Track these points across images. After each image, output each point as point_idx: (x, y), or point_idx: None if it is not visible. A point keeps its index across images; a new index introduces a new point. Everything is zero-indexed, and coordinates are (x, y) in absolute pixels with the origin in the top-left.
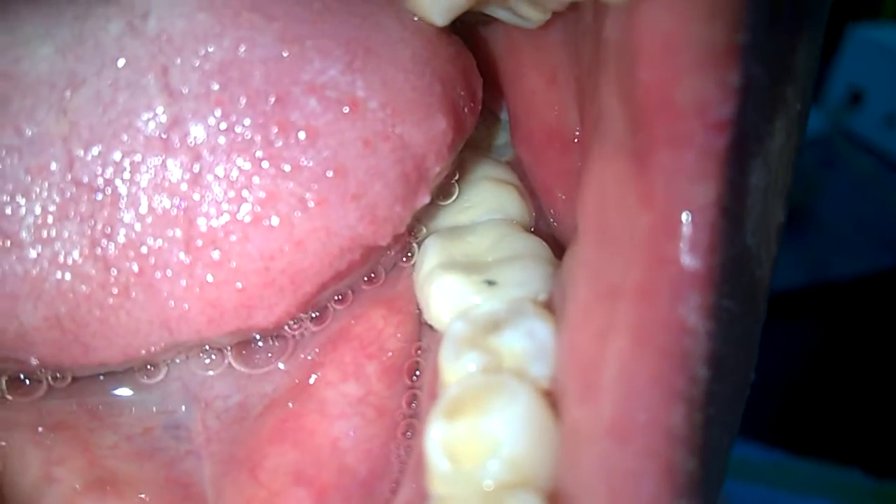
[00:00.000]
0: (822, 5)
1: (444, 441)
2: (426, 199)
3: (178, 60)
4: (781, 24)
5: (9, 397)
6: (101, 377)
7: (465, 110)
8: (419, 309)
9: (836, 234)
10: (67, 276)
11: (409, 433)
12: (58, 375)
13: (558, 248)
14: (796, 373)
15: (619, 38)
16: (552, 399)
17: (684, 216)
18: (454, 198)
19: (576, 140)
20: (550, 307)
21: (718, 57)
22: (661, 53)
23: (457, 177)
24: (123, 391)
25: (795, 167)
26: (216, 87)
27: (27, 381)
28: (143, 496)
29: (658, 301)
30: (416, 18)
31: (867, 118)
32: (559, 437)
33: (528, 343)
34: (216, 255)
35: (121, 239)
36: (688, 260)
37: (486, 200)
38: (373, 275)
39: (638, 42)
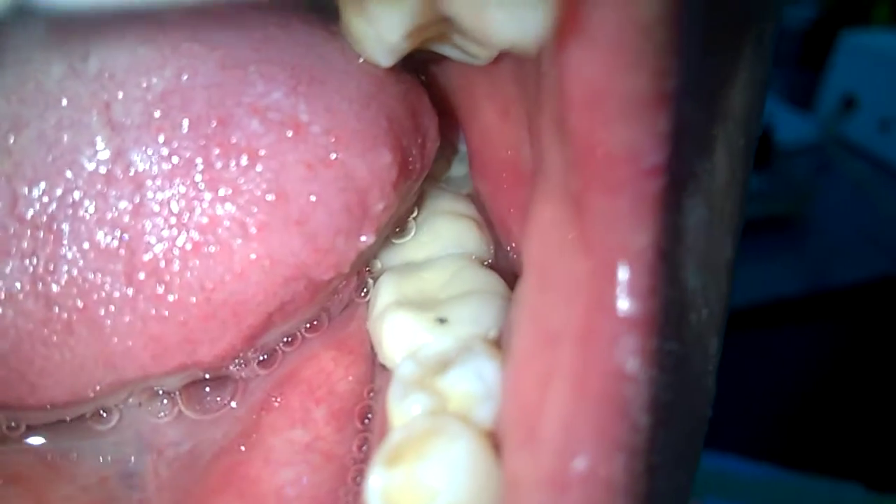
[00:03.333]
0: (761, 40)
1: (382, 489)
2: (371, 239)
3: (121, 95)
4: (715, 62)
5: None
6: (56, 426)
7: (413, 150)
8: (372, 349)
9: (833, 241)
10: (10, 313)
11: (358, 479)
12: (12, 424)
13: (517, 280)
14: (794, 382)
15: (551, 83)
16: (494, 440)
17: (621, 261)
18: (412, 235)
19: (529, 175)
20: (500, 345)
21: (645, 105)
22: (587, 102)
23: (415, 213)
24: (78, 441)
25: (745, 201)
26: (158, 114)
27: None
28: None
29: (597, 348)
30: (361, 59)
31: (861, 124)
32: (500, 485)
33: (474, 384)
34: (159, 288)
35: (63, 275)
36: (626, 305)
37: (444, 236)
38: (315, 322)
39: (565, 89)
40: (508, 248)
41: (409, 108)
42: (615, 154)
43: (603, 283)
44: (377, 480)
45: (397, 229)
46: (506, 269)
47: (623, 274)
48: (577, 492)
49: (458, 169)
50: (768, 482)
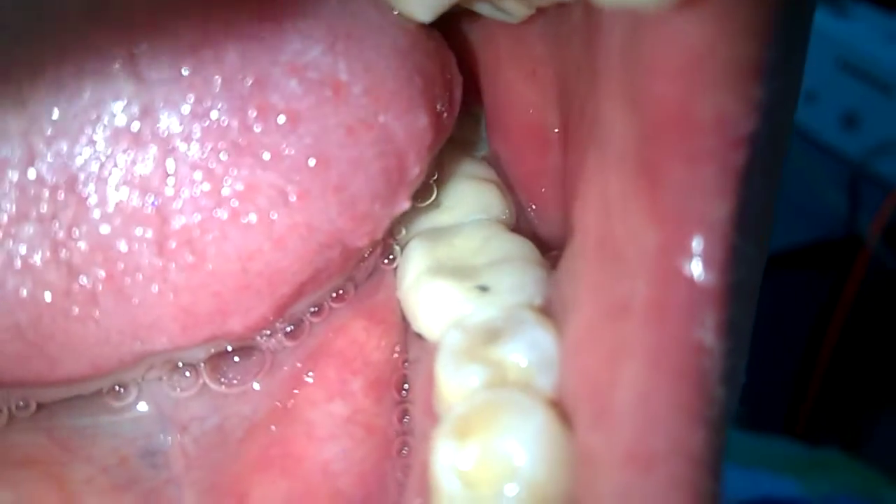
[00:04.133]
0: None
1: (455, 464)
2: (406, 205)
3: (145, 45)
4: (787, 37)
5: None
6: (68, 403)
7: (444, 111)
8: (403, 318)
9: None
10: (28, 283)
11: (404, 451)
12: (20, 403)
13: (540, 245)
14: None
15: (627, 47)
16: (560, 410)
17: (697, 232)
18: (433, 198)
19: (555, 136)
20: (547, 313)
21: (745, 73)
22: (683, 68)
23: (435, 176)
24: (93, 418)
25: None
26: (188, 70)
27: None
28: None
29: (672, 321)
30: (395, 12)
31: None
32: (575, 461)
33: (531, 354)
34: (190, 257)
35: (87, 241)
36: (702, 277)
37: (469, 200)
38: (341, 291)
39: (657, 55)
40: (530, 212)
41: (439, 66)
42: (704, 122)
43: (677, 254)
44: (447, 455)
45: (418, 194)
46: (528, 232)
47: (698, 245)
48: (662, 469)
49: (474, 133)
50: None
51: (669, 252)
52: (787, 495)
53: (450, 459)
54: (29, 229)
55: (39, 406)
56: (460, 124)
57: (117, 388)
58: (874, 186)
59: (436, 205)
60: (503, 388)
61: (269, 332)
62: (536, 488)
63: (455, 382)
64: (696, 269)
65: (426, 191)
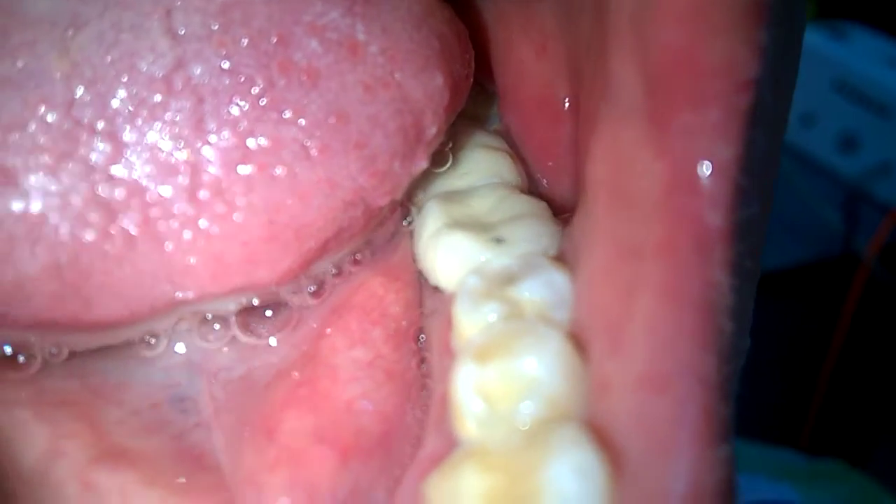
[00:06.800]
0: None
1: (476, 384)
2: (424, 164)
3: (179, 2)
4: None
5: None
6: (100, 353)
7: (460, 74)
8: (419, 275)
9: None
10: (68, 221)
11: (424, 393)
12: (53, 350)
13: (553, 211)
14: None
15: (635, 7)
16: (575, 342)
17: (704, 172)
18: (448, 165)
19: (566, 108)
20: (562, 261)
21: (748, 17)
22: (689, 15)
23: (450, 145)
24: (124, 367)
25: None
26: (218, 27)
27: (20, 358)
28: (155, 468)
29: (682, 259)
30: None
31: None
32: (589, 386)
33: (547, 292)
34: (220, 207)
35: (124, 185)
36: (710, 216)
37: (482, 167)
38: (360, 254)
39: (663, 4)
40: (541, 182)
41: (455, 34)
42: (713, 66)
43: (686, 195)
44: (468, 376)
45: (435, 160)
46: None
47: (706, 186)
48: (674, 390)
49: (486, 108)
50: None
51: (679, 194)
52: (784, 500)
53: (470, 381)
54: (70, 169)
55: (72, 355)
56: (473, 100)
57: (149, 338)
58: (871, 208)
59: (451, 171)
60: (521, 320)
61: (294, 290)
62: (553, 404)
63: (472, 319)
64: (705, 209)
65: (442, 157)
